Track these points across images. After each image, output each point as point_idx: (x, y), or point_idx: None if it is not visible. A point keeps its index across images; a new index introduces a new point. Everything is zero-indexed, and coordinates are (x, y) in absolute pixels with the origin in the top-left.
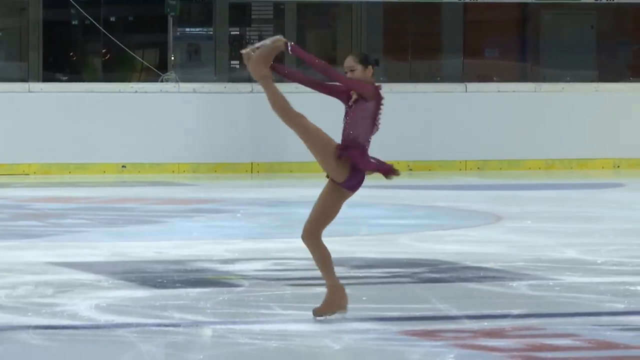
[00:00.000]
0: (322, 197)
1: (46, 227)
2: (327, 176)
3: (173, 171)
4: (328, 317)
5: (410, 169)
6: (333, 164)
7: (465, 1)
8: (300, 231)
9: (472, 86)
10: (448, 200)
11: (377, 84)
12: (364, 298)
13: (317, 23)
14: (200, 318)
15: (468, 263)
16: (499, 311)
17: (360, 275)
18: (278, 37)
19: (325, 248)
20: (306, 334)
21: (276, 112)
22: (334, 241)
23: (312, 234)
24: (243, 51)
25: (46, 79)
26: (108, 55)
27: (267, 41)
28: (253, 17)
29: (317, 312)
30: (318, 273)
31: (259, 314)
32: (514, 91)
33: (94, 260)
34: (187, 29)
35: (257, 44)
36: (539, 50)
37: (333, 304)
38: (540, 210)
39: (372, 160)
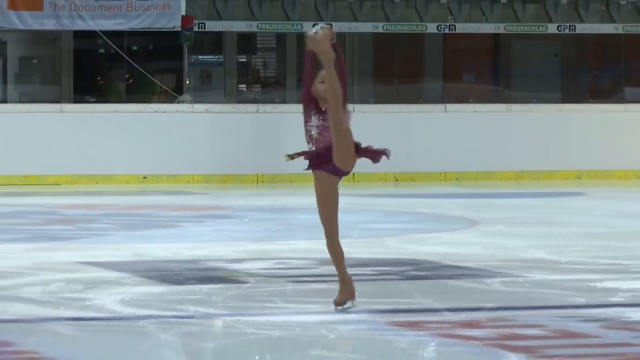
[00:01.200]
0: (322, 193)
1: (75, 231)
2: (308, 168)
3: (187, 182)
4: (344, 306)
5: (397, 180)
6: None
7: (445, 32)
8: (298, 235)
9: (451, 107)
10: (430, 207)
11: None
12: (356, 293)
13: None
14: (212, 311)
15: (448, 262)
16: (475, 305)
17: (353, 273)
18: (327, 26)
19: (341, 248)
20: (305, 324)
21: (330, 96)
22: None
23: (334, 239)
24: (308, 33)
25: (76, 101)
26: (130, 80)
27: (319, 28)
28: (258, 46)
29: (338, 303)
30: (315, 271)
31: (264, 307)
32: (487, 111)
33: (118, 260)
34: (200, 57)
35: (313, 30)
36: (510, 75)
37: (347, 294)
38: (511, 216)
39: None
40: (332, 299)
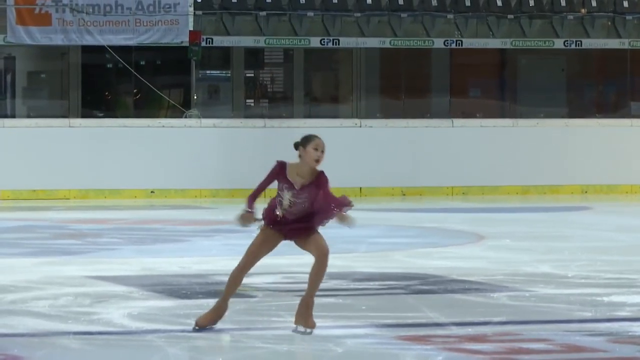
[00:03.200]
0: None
1: (84, 245)
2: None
3: (195, 196)
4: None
5: (404, 194)
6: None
7: (451, 47)
8: None
9: (458, 122)
10: (436, 222)
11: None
12: (363, 307)
13: (321, 66)
14: (219, 325)
15: (454, 276)
16: (481, 319)
17: (360, 287)
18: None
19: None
20: (312, 338)
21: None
22: (337, 257)
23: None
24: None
25: (84, 115)
26: (138, 95)
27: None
28: (266, 61)
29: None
30: (322, 285)
31: (271, 321)
32: (494, 126)
33: (126, 274)
34: (208, 72)
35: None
36: (516, 90)
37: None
38: (517, 231)
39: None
40: (340, 314)
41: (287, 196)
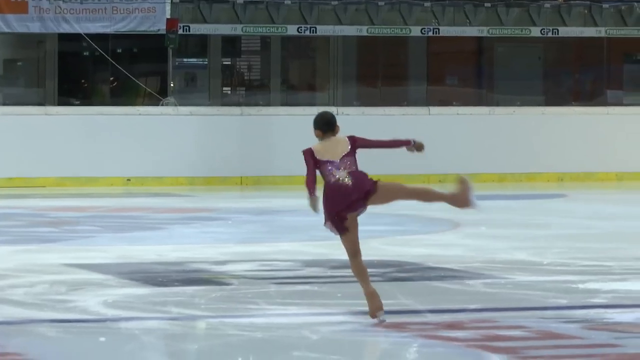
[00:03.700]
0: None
1: (61, 233)
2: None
3: (172, 184)
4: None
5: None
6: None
7: (428, 35)
8: (282, 237)
9: (435, 109)
10: (413, 209)
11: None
12: (339, 295)
13: (299, 54)
14: (195, 312)
15: (431, 264)
16: (457, 306)
17: (336, 274)
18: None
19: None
20: (288, 326)
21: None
22: (313, 245)
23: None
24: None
25: (61, 104)
26: (115, 83)
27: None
28: (243, 49)
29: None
30: (299, 273)
31: (247, 309)
32: (471, 114)
33: (103, 262)
34: (185, 60)
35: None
36: (493, 78)
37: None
38: (494, 218)
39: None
40: (316, 301)
41: (338, 173)
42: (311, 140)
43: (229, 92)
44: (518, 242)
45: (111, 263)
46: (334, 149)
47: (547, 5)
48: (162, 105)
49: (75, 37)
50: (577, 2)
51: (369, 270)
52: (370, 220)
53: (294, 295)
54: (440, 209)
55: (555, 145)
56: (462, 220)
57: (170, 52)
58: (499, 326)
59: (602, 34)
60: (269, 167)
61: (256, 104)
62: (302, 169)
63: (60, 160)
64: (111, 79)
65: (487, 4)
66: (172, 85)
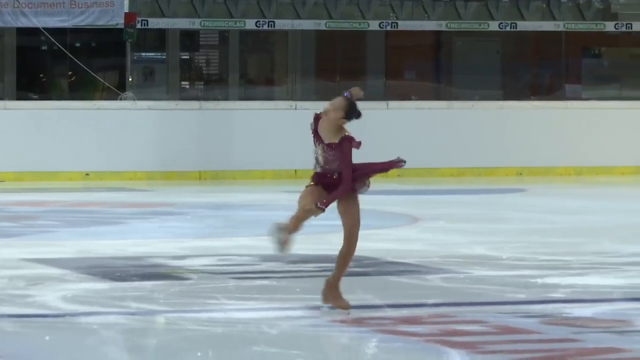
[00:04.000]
0: (352, 210)
1: (20, 228)
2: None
3: (131, 178)
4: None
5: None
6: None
7: (387, 29)
8: (241, 231)
9: (393, 104)
10: (372, 204)
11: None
12: (297, 289)
13: (257, 48)
14: (154, 307)
15: (389, 258)
16: (416, 301)
17: (295, 269)
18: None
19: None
20: (247, 321)
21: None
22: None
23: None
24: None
25: (19, 98)
26: (73, 77)
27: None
28: (201, 43)
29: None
30: (257, 268)
31: (206, 304)
32: (429, 108)
33: (62, 257)
34: (143, 54)
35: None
36: (452, 72)
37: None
38: (452, 213)
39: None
40: (274, 296)
41: (319, 151)
42: (269, 133)
43: (188, 86)
44: (477, 236)
45: (70, 258)
46: (325, 131)
47: None
48: (121, 99)
49: (34, 32)
50: None
51: (325, 265)
52: (329, 215)
53: (252, 290)
54: (399, 204)
55: (514, 139)
56: (421, 215)
57: (128, 46)
58: (458, 321)
59: (561, 28)
60: (227, 161)
61: (214, 99)
62: (260, 163)
63: (19, 154)
64: (69, 73)
65: None
66: (130, 79)
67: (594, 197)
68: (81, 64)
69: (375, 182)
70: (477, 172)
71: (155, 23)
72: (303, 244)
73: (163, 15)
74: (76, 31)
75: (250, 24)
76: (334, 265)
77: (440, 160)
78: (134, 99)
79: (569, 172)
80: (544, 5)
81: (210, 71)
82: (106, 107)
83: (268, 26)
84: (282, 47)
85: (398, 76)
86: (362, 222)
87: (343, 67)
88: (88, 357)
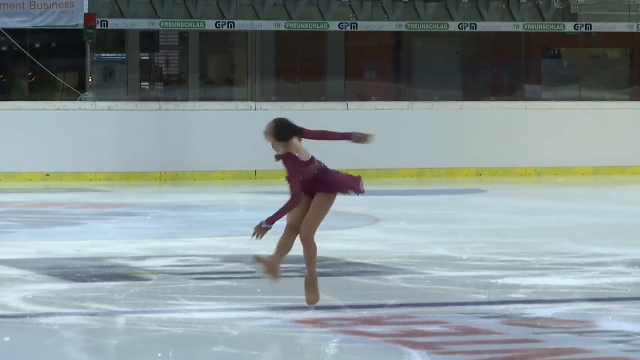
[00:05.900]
0: (319, 206)
1: None
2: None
3: (91, 179)
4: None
5: None
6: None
7: (347, 30)
8: (201, 232)
9: (353, 105)
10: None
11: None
12: (258, 290)
13: (217, 49)
14: (115, 308)
15: (350, 259)
16: (376, 301)
17: (256, 270)
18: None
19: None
20: (208, 321)
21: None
22: (232, 240)
23: (312, 235)
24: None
25: None
26: (33, 78)
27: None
28: (161, 44)
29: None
30: (218, 268)
31: (167, 305)
32: (389, 109)
33: (22, 258)
34: (103, 55)
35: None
36: (412, 72)
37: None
38: (413, 213)
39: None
40: (235, 297)
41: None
42: (229, 134)
43: (148, 87)
44: (437, 237)
45: (30, 259)
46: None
47: (465, 0)
48: (81, 100)
49: None
50: None
51: (287, 266)
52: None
53: (213, 290)
54: (359, 204)
55: (474, 140)
56: (382, 216)
57: (88, 47)
58: (418, 321)
59: (520, 29)
60: (187, 162)
61: (175, 99)
62: (220, 164)
63: None
64: (30, 74)
65: None
66: (90, 80)
67: (553, 197)
68: (41, 65)
69: None
70: (438, 173)
71: (115, 24)
72: (263, 244)
73: (123, 16)
74: (36, 32)
75: (210, 25)
76: (294, 266)
77: (401, 161)
78: (94, 100)
79: (529, 173)
80: (504, 6)
81: (170, 72)
82: (66, 108)
83: (228, 27)
84: (242, 47)
85: (358, 77)
86: (323, 222)
87: (303, 68)
88: (48, 358)
